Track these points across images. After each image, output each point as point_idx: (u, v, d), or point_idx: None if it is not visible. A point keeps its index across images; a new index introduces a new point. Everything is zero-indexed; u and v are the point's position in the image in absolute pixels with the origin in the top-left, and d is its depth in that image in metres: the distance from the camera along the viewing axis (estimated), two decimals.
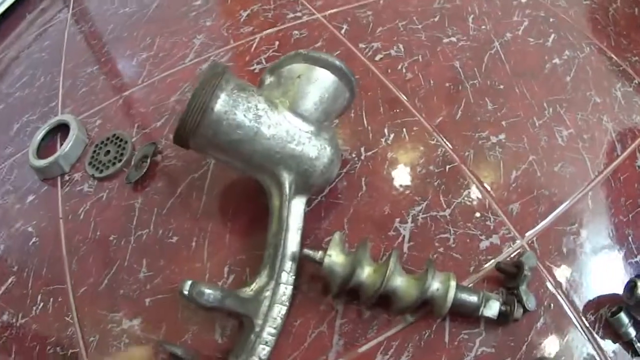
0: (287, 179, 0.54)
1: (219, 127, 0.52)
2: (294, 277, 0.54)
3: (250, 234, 0.61)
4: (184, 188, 0.67)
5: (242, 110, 0.52)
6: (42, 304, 0.61)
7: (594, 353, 0.51)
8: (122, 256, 0.62)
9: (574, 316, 0.53)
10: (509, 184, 0.62)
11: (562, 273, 0.56)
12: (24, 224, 0.70)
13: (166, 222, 0.64)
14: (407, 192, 0.63)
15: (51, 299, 0.61)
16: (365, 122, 0.70)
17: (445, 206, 0.61)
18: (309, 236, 0.59)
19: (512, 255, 0.57)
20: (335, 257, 0.51)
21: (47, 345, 0.58)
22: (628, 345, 0.51)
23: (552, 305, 0.53)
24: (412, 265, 0.56)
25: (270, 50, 0.83)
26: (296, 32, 0.85)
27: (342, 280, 0.50)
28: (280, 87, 0.57)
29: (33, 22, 1.11)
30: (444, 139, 0.67)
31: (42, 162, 0.73)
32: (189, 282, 0.47)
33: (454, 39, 0.80)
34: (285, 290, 0.53)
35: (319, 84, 0.57)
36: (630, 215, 0.61)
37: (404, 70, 0.76)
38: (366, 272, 0.50)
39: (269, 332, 0.51)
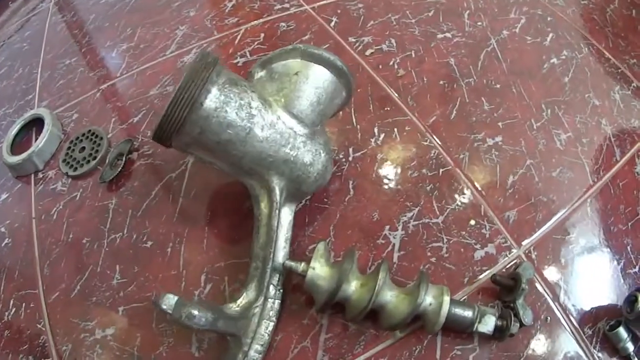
0: (278, 185, 0.51)
1: (207, 125, 0.47)
2: (281, 290, 0.51)
3: (229, 240, 0.58)
4: (160, 189, 0.64)
5: (233, 108, 0.48)
6: (14, 309, 0.59)
7: None
8: (94, 261, 0.60)
9: (572, 330, 0.51)
10: (505, 189, 0.60)
11: (560, 284, 0.54)
12: None
13: (141, 226, 0.61)
14: (398, 196, 0.60)
15: (23, 304, 0.59)
16: (354, 120, 0.67)
17: (438, 213, 0.58)
18: (291, 243, 0.55)
19: (508, 266, 0.54)
20: (319, 269, 0.47)
21: (20, 354, 0.55)
22: None
23: (549, 318, 0.51)
24: (402, 276, 0.54)
25: (256, 43, 0.80)
26: (283, 24, 0.82)
27: (327, 296, 0.47)
28: (273, 84, 0.53)
29: (16, 12, 1.09)
30: (438, 140, 0.65)
31: (14, 159, 0.71)
32: (173, 299, 0.43)
33: (448, 34, 0.78)
34: (273, 304, 0.50)
35: (316, 83, 0.53)
36: (629, 224, 0.59)
37: (395, 66, 0.73)
38: (353, 287, 0.47)
39: (256, 350, 0.48)
